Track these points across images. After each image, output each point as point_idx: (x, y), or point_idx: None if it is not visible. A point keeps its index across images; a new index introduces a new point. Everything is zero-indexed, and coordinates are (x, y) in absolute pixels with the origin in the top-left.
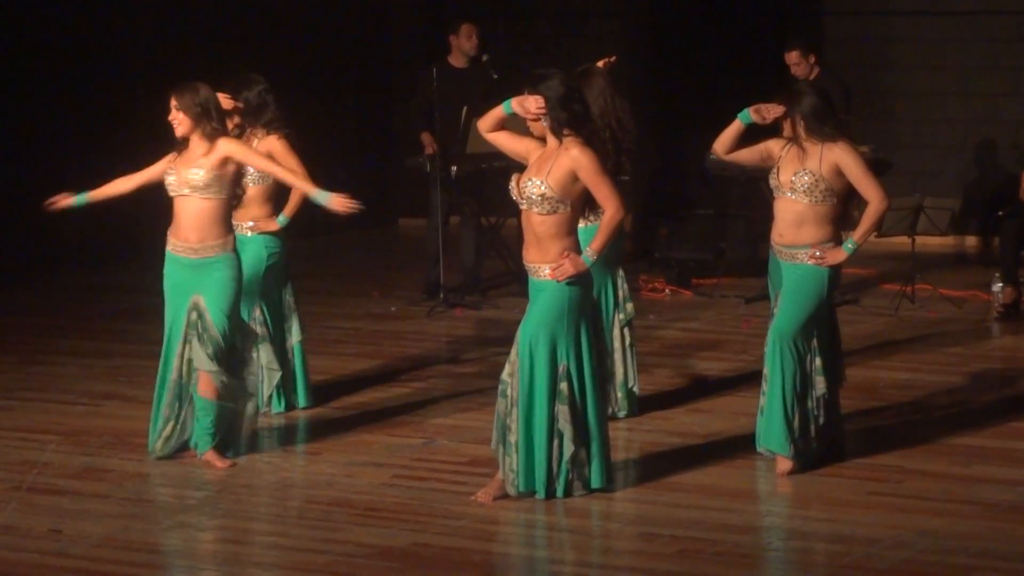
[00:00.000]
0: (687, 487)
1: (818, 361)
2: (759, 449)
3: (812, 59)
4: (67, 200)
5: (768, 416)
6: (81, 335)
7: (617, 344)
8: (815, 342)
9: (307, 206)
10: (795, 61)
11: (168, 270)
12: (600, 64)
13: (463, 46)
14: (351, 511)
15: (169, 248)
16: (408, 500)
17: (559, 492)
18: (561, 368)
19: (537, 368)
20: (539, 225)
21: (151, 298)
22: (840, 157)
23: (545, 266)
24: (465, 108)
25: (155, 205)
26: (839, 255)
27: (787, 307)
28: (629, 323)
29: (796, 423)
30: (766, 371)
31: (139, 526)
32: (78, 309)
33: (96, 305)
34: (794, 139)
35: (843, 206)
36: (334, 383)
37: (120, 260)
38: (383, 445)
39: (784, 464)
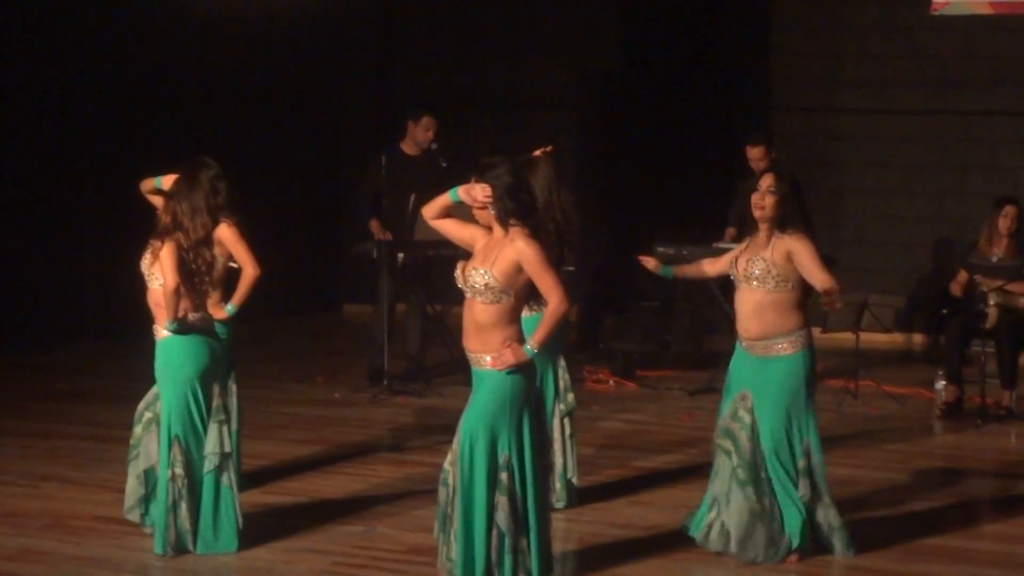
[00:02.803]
0: None
1: (802, 463)
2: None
3: (773, 155)
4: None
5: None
6: (22, 415)
7: (557, 434)
8: (804, 440)
9: (255, 293)
10: (759, 157)
11: None
12: (538, 153)
13: (418, 136)
14: None
15: None
16: None
17: None
18: (502, 458)
19: (477, 458)
20: (481, 314)
21: (92, 380)
22: (792, 246)
23: (487, 355)
24: (413, 195)
25: (99, 287)
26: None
27: (771, 412)
28: (570, 413)
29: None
30: (764, 474)
31: None
32: (18, 389)
33: (37, 386)
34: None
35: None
36: (275, 468)
37: (61, 341)
38: (323, 532)
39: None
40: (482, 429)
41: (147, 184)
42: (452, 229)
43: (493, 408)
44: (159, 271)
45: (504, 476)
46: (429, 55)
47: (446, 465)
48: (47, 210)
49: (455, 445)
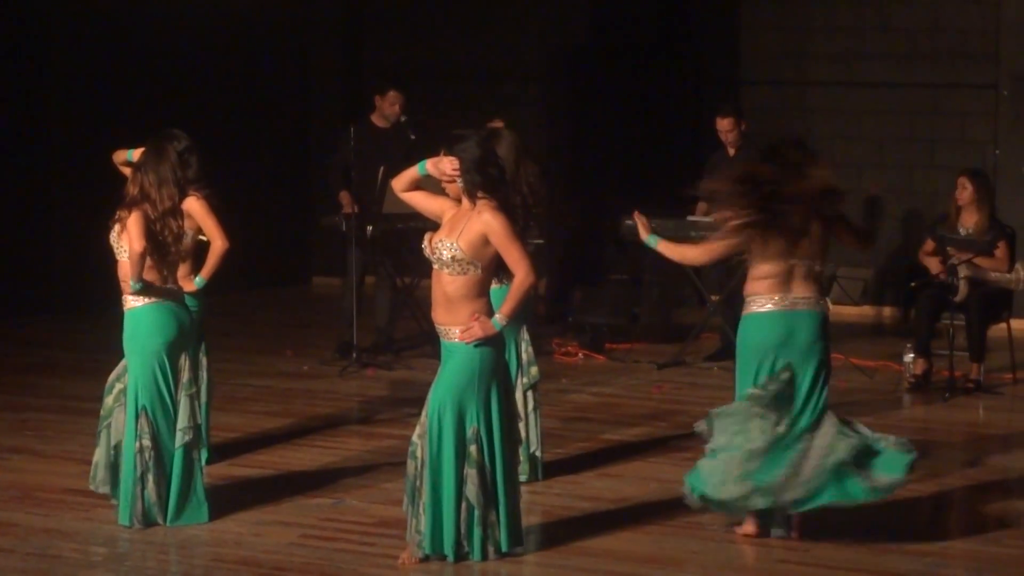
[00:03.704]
0: (596, 552)
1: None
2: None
3: (743, 126)
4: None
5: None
6: None
7: (520, 408)
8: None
9: (224, 265)
10: (728, 128)
11: None
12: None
13: (385, 110)
14: (258, 570)
15: None
16: (316, 560)
17: (475, 555)
18: (471, 431)
19: (445, 431)
20: (449, 285)
21: (62, 352)
22: None
23: (455, 328)
24: (382, 168)
25: (69, 259)
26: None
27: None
28: (533, 386)
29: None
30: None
31: None
32: None
33: (6, 358)
34: None
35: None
36: (244, 441)
37: (30, 313)
38: (292, 504)
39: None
40: (451, 402)
41: (119, 156)
42: (421, 201)
43: (462, 381)
44: (126, 242)
45: (473, 449)
46: (397, 28)
47: (414, 438)
48: (16, 182)
49: (423, 418)
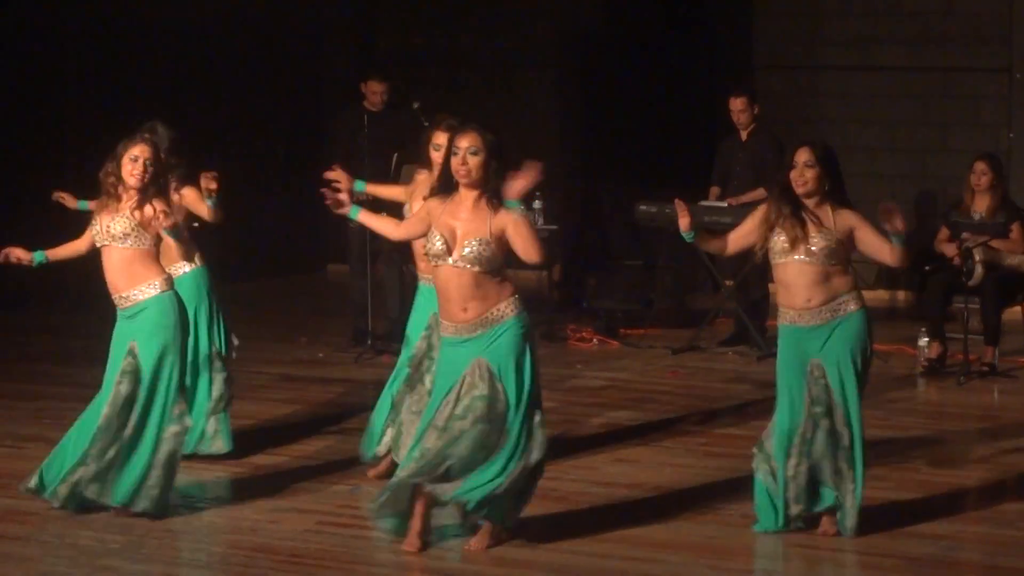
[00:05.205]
0: (611, 538)
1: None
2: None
3: (756, 109)
4: (25, 255)
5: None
6: (5, 377)
7: None
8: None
9: (234, 254)
10: (740, 108)
11: None
12: None
13: (371, 99)
14: (275, 557)
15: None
16: (332, 547)
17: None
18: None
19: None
20: (479, 286)
21: (77, 340)
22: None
23: (495, 308)
24: (396, 155)
25: None
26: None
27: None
28: None
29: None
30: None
31: (61, 570)
32: (2, 350)
33: (21, 347)
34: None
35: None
36: (260, 428)
37: (46, 302)
38: (308, 491)
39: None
40: (511, 370)
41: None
42: (417, 229)
43: (509, 359)
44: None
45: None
46: (410, 14)
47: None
48: (25, 169)
49: (479, 395)
